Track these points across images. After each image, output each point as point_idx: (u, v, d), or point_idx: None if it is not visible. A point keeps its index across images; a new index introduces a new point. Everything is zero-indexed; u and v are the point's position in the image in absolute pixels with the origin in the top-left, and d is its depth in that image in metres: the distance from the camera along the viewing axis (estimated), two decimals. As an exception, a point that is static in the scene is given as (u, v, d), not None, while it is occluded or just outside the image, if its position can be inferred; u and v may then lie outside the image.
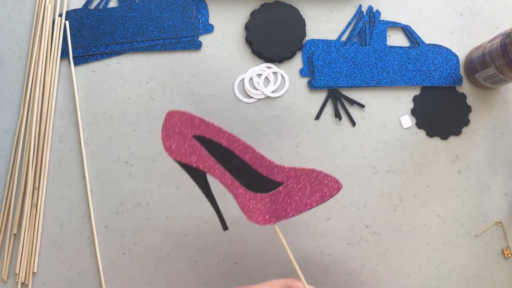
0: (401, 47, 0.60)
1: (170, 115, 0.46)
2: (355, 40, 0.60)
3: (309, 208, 0.45)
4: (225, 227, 0.48)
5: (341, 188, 0.45)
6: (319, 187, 0.45)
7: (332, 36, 0.60)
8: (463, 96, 0.60)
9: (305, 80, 0.59)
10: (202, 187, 0.47)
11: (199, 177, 0.46)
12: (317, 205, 0.45)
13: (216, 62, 0.59)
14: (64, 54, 0.58)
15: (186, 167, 0.46)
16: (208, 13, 0.60)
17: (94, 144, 0.57)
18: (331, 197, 0.45)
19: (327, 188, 0.45)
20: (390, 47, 0.60)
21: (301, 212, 0.45)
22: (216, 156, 0.45)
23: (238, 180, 0.46)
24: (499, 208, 0.59)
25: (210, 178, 0.47)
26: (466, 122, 0.60)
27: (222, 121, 0.58)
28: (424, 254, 0.58)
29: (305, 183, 0.45)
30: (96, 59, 0.59)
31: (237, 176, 0.46)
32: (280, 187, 0.45)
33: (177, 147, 0.45)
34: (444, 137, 0.60)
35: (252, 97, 0.59)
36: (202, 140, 0.46)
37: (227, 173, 0.45)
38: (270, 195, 0.46)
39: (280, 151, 0.58)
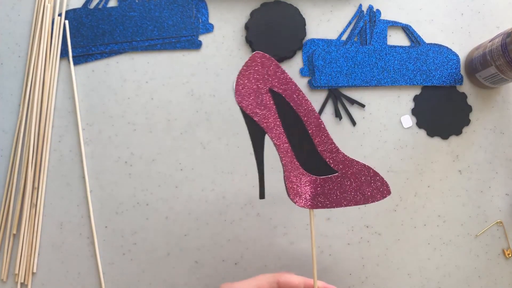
0: (401, 47, 0.60)
1: (256, 57, 0.42)
2: (356, 39, 0.60)
3: (349, 205, 0.44)
4: (262, 196, 0.45)
5: (388, 195, 0.44)
6: (369, 187, 0.43)
7: (332, 35, 0.60)
8: (463, 96, 0.60)
9: (305, 80, 0.59)
10: (256, 145, 0.44)
11: (257, 133, 0.43)
12: (358, 204, 0.44)
13: (216, 61, 0.59)
14: (64, 53, 0.58)
15: (248, 118, 0.43)
16: (208, 13, 0.60)
17: (93, 144, 0.57)
18: (374, 201, 0.44)
19: (377, 191, 0.43)
20: (391, 46, 0.60)
21: (340, 207, 0.44)
22: (284, 120, 0.43)
23: (295, 152, 0.43)
24: (499, 208, 0.59)
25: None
26: (467, 122, 0.60)
27: (222, 121, 0.58)
28: (424, 254, 0.58)
29: (358, 179, 0.43)
30: (96, 59, 0.59)
31: (296, 148, 0.43)
32: (333, 175, 0.43)
33: (248, 94, 0.42)
34: (445, 137, 0.59)
35: (252, 97, 0.59)
36: (277, 98, 0.42)
37: (287, 141, 0.43)
38: (319, 179, 0.44)
39: (280, 151, 0.58)
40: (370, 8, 0.61)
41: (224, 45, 0.59)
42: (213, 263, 0.57)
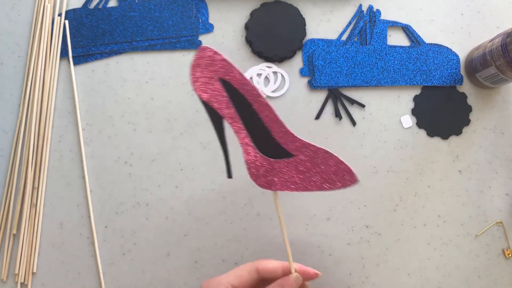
0: (401, 47, 0.60)
1: (203, 50, 0.44)
2: (356, 39, 0.60)
3: (312, 191, 0.44)
4: (229, 175, 0.48)
5: (355, 183, 0.44)
6: (331, 174, 0.44)
7: (333, 35, 0.60)
8: (463, 96, 0.60)
9: (305, 80, 0.59)
10: (217, 129, 0.46)
11: (216, 119, 0.46)
12: (322, 190, 0.44)
13: (216, 61, 0.59)
14: (64, 53, 0.58)
15: (207, 106, 0.45)
16: (208, 13, 0.60)
17: (93, 144, 0.57)
18: (342, 187, 0.44)
19: (339, 179, 0.44)
20: (391, 46, 0.60)
21: (301, 191, 0.45)
22: (236, 107, 0.45)
23: (252, 137, 0.45)
24: (499, 208, 0.59)
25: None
26: (467, 122, 0.60)
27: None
28: (424, 254, 0.58)
29: (316, 165, 0.44)
30: (96, 59, 0.59)
31: (252, 133, 0.45)
32: (292, 159, 0.45)
33: (203, 84, 0.45)
34: (445, 137, 0.59)
35: (252, 97, 0.59)
36: (228, 87, 0.45)
37: (243, 127, 0.45)
38: (278, 162, 0.45)
39: (280, 151, 0.58)
40: (370, 8, 0.61)
41: (224, 45, 0.59)
42: (213, 263, 0.57)
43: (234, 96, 0.45)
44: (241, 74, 0.44)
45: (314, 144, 0.44)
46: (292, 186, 0.45)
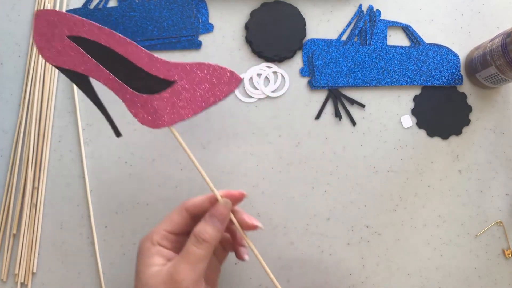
0: (401, 47, 0.60)
1: (39, 15, 0.41)
2: (356, 39, 0.60)
3: (207, 107, 0.43)
4: (117, 134, 0.47)
5: (239, 81, 0.43)
6: (214, 82, 0.43)
7: (332, 35, 0.60)
8: (463, 96, 0.60)
9: (305, 80, 0.59)
10: (86, 92, 0.44)
11: (81, 81, 0.43)
12: (214, 102, 0.43)
13: (216, 61, 0.59)
14: (64, 53, 0.58)
15: (66, 72, 0.43)
16: (208, 13, 0.60)
17: (93, 144, 0.57)
18: (230, 91, 0.43)
19: (224, 83, 0.43)
20: (391, 46, 0.60)
21: (199, 112, 0.43)
22: (97, 58, 0.42)
23: (124, 82, 0.43)
24: (499, 208, 0.59)
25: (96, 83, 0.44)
26: (467, 122, 0.60)
27: (222, 121, 0.58)
28: (424, 254, 0.58)
29: (198, 80, 0.43)
30: (96, 59, 0.59)
31: (122, 78, 0.43)
32: (172, 86, 0.43)
33: (52, 51, 0.42)
34: (445, 137, 0.59)
35: (252, 97, 0.59)
36: (79, 41, 0.42)
37: (111, 75, 0.43)
38: (160, 95, 0.43)
39: (280, 151, 0.58)
40: (370, 8, 0.61)
41: (224, 45, 0.59)
42: (213, 263, 0.57)
43: (91, 48, 0.42)
44: (89, 23, 0.41)
45: (187, 62, 0.43)
46: (188, 112, 0.43)
